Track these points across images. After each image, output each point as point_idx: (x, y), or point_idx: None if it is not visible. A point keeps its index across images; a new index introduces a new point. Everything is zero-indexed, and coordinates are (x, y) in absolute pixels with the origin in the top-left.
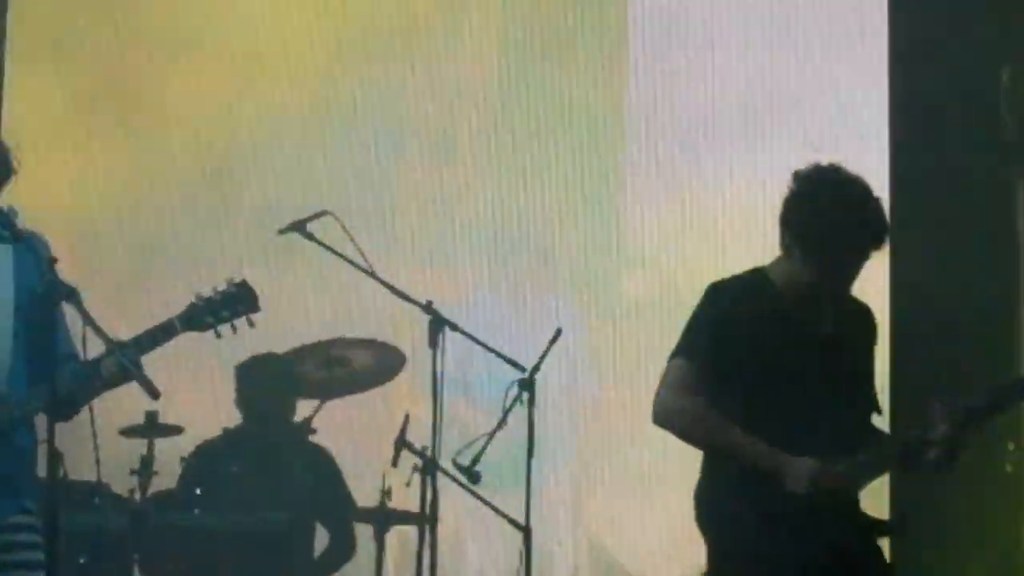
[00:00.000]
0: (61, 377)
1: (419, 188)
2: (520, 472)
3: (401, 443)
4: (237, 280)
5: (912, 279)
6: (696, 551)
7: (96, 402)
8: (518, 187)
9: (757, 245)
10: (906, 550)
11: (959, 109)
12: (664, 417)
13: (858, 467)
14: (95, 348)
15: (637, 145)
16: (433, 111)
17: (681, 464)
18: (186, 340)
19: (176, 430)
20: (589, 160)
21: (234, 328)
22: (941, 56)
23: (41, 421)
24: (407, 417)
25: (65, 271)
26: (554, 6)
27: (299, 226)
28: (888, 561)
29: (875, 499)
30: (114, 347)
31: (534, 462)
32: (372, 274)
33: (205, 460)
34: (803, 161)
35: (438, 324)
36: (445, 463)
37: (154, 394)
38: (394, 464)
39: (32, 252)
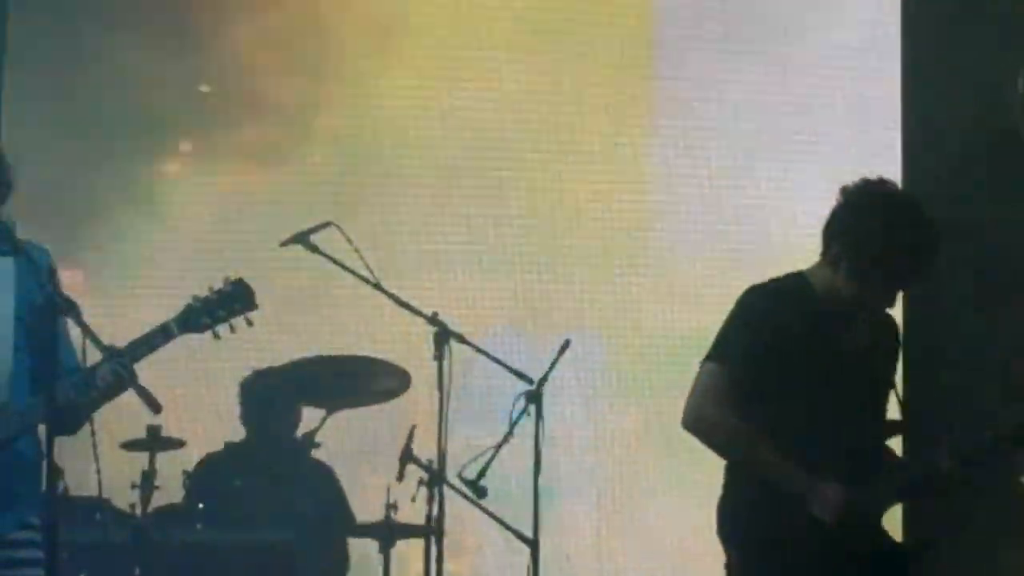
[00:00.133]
0: (61, 389)
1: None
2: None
3: (407, 456)
4: (233, 278)
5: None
6: (709, 564)
7: (97, 416)
8: (537, 209)
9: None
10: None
11: (973, 120)
12: (694, 425)
13: (883, 495)
14: (95, 359)
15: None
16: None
17: (692, 477)
18: (188, 352)
19: (178, 444)
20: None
21: (232, 328)
22: (955, 66)
23: (41, 434)
24: (412, 430)
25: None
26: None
27: (302, 237)
28: None
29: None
30: (109, 354)
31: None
32: (378, 285)
33: (208, 475)
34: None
35: (444, 336)
36: (451, 476)
37: (155, 407)
38: (399, 478)
39: (32, 263)
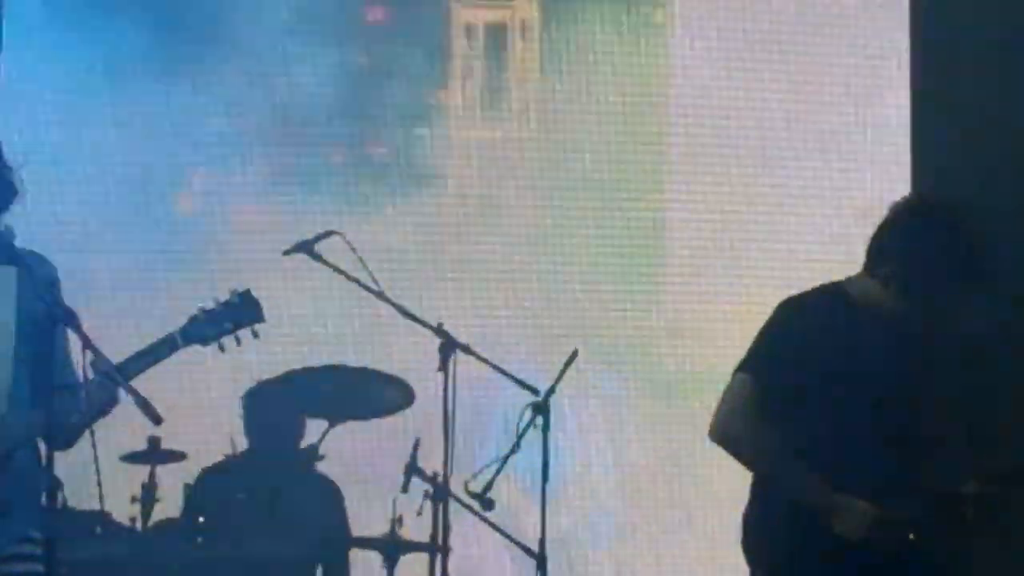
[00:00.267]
0: (60, 402)
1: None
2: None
3: (411, 469)
4: (240, 290)
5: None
6: None
7: (97, 428)
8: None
9: None
10: None
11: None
12: (721, 437)
13: (911, 514)
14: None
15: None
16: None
17: (700, 488)
18: (191, 363)
19: (179, 456)
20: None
21: (238, 340)
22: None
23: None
24: (417, 442)
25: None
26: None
27: (306, 246)
28: None
29: None
30: (110, 367)
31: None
32: (382, 295)
33: (209, 487)
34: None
35: (449, 347)
36: (457, 489)
37: (156, 419)
38: (404, 490)
39: (32, 274)
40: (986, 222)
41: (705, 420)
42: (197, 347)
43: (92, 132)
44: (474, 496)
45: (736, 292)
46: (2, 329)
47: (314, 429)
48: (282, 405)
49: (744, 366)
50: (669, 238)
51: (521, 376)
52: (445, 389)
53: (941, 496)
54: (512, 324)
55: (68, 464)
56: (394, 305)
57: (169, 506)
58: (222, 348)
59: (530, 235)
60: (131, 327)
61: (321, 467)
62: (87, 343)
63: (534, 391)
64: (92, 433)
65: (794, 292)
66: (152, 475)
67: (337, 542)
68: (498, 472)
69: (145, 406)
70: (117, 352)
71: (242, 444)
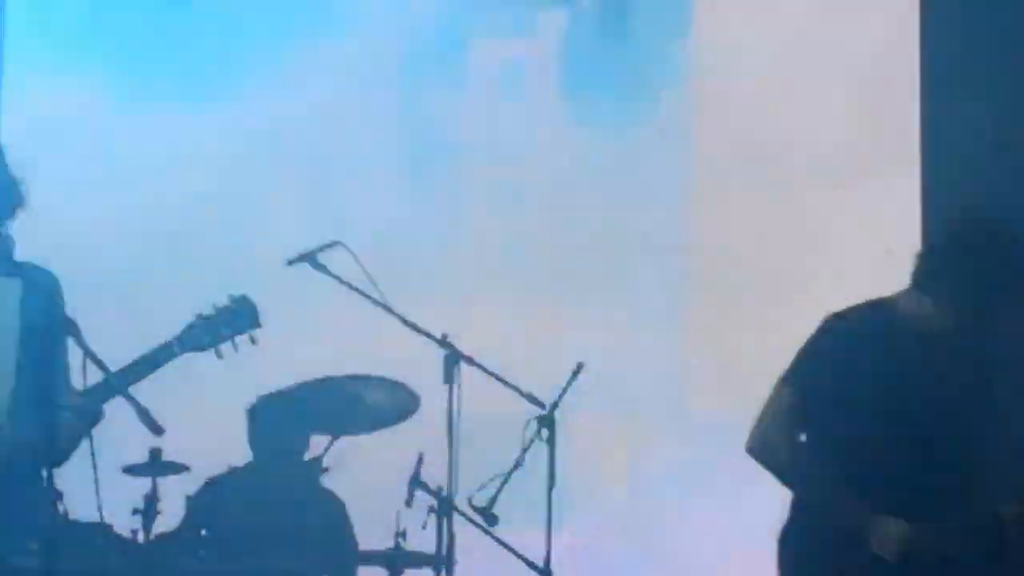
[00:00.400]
0: (60, 416)
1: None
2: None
3: (415, 483)
4: (237, 296)
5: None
6: None
7: (98, 439)
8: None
9: None
10: None
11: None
12: (759, 452)
13: (951, 534)
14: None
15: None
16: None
17: (710, 500)
18: (192, 372)
19: (182, 468)
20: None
21: (236, 346)
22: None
23: None
24: (421, 456)
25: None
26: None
27: (309, 257)
28: None
29: None
30: (111, 376)
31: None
32: (386, 306)
33: (211, 500)
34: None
35: (454, 359)
36: (461, 504)
37: (156, 430)
38: (408, 504)
39: (34, 285)
40: None
41: (714, 434)
42: (203, 358)
43: (94, 139)
44: (478, 510)
45: (749, 305)
46: (5, 339)
47: (317, 440)
48: (286, 418)
49: (786, 379)
50: (682, 251)
51: (526, 389)
52: (449, 401)
53: (980, 516)
54: (517, 336)
55: (68, 475)
56: (397, 316)
57: (171, 518)
58: (219, 355)
59: (539, 245)
60: (129, 334)
61: (325, 480)
62: (88, 353)
63: (540, 404)
64: (92, 444)
65: (802, 307)
66: (154, 487)
67: (342, 555)
68: (503, 486)
69: (145, 416)
70: (115, 360)
71: (246, 456)
